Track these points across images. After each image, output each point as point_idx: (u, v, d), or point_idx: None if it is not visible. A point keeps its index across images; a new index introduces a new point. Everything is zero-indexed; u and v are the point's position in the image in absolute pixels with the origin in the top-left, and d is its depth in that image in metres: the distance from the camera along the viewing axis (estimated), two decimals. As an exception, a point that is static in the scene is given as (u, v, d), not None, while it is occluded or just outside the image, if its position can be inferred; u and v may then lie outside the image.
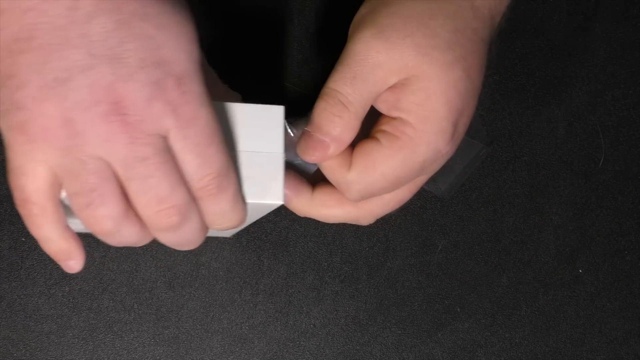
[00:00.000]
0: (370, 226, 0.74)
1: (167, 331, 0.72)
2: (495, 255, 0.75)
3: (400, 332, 0.74)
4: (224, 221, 0.55)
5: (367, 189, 0.60)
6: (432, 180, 0.72)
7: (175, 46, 0.51)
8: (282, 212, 0.73)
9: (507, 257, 0.75)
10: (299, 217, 0.73)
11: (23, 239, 0.71)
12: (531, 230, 0.75)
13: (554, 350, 0.75)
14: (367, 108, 0.59)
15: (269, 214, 0.73)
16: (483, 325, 0.74)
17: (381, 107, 0.59)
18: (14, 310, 0.71)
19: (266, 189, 0.58)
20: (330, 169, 0.60)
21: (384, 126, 0.59)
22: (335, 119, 0.59)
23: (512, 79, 0.75)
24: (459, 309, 0.74)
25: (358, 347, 0.74)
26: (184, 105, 0.51)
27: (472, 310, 0.74)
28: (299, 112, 0.73)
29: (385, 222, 0.74)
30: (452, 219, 0.75)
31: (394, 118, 0.59)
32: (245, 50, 0.73)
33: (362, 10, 0.60)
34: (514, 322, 0.75)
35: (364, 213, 0.63)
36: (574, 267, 0.75)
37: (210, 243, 0.72)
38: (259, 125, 0.58)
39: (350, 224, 0.74)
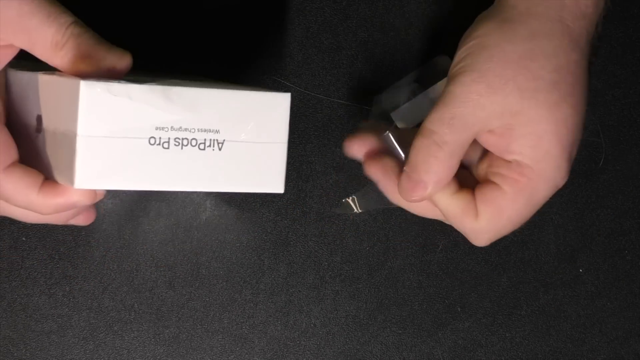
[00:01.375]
0: (370, 226, 0.74)
1: (167, 331, 0.72)
2: (496, 254, 0.75)
3: (400, 331, 0.74)
4: None
5: (497, 234, 0.61)
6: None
7: None
8: (282, 212, 0.73)
9: (507, 256, 0.75)
10: (299, 216, 0.73)
11: (23, 239, 0.71)
12: (531, 230, 0.75)
13: (554, 350, 0.75)
14: (465, 148, 0.59)
15: (269, 213, 0.73)
16: (483, 324, 0.74)
17: (494, 151, 0.60)
18: (14, 309, 0.71)
19: (267, 178, 0.58)
20: (456, 218, 0.61)
21: (501, 169, 0.60)
22: (431, 159, 0.59)
23: (512, 79, 0.75)
24: (459, 309, 0.74)
25: (358, 347, 0.74)
26: None
27: (473, 310, 0.74)
28: (302, 113, 0.73)
29: (385, 222, 0.74)
30: (452, 218, 0.75)
31: (509, 161, 0.60)
32: (245, 50, 0.73)
33: (461, 53, 0.60)
34: (515, 322, 0.75)
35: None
36: (575, 266, 0.75)
37: (210, 243, 0.72)
38: (265, 114, 0.58)
39: (351, 224, 0.74)
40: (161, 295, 0.72)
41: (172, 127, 0.55)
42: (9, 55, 0.56)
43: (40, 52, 0.55)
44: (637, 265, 0.76)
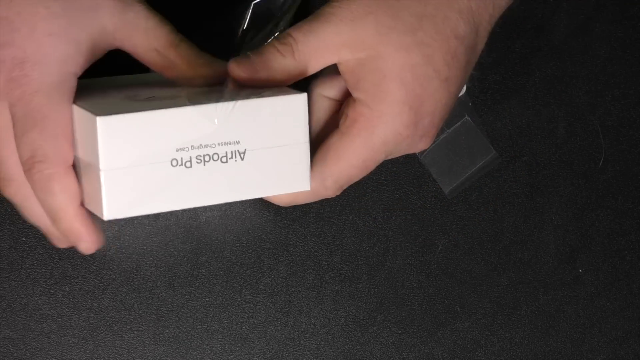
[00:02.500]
0: (370, 226, 0.74)
1: (167, 331, 0.72)
2: (495, 255, 0.75)
3: (400, 331, 0.74)
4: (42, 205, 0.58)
5: (341, 179, 0.60)
6: (437, 178, 0.72)
7: (30, 34, 0.55)
8: (282, 212, 0.73)
9: (507, 256, 0.75)
10: (299, 216, 0.73)
11: (23, 239, 0.71)
12: (531, 230, 0.75)
13: (554, 350, 0.75)
14: (315, 67, 0.59)
15: (269, 213, 0.73)
16: (483, 325, 0.75)
17: (348, 87, 0.60)
18: (14, 309, 0.71)
19: (293, 178, 0.58)
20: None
21: (348, 109, 0.60)
22: (277, 56, 0.59)
23: (512, 79, 0.75)
24: (459, 309, 0.74)
25: (358, 347, 0.74)
26: (17, 87, 0.55)
27: (472, 310, 0.74)
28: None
29: (385, 222, 0.74)
30: (452, 218, 0.75)
31: (354, 100, 0.59)
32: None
33: None
34: (514, 322, 0.75)
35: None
36: (574, 267, 0.75)
37: (210, 243, 0.72)
38: (283, 118, 0.58)
39: (350, 224, 0.74)
40: (161, 295, 0.72)
41: (192, 146, 0.56)
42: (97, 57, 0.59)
43: (145, 51, 0.59)
44: (637, 265, 0.76)
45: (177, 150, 0.56)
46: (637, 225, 0.76)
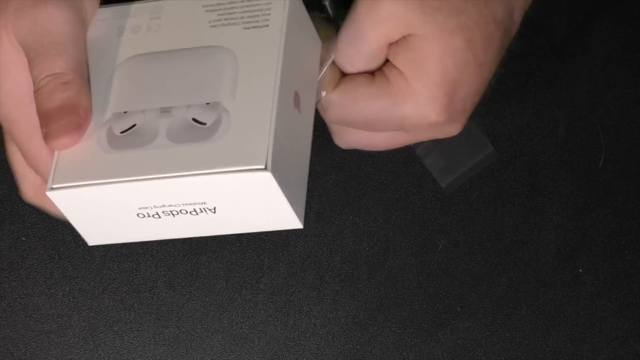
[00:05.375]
0: (370, 226, 0.74)
1: (167, 330, 0.72)
2: (496, 254, 0.75)
3: (400, 331, 0.74)
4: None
5: (343, 115, 0.59)
6: (434, 172, 0.72)
7: None
8: (282, 212, 0.73)
9: (507, 256, 0.75)
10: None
11: (23, 239, 0.71)
12: (531, 230, 0.75)
13: (554, 350, 0.75)
14: (370, 64, 0.59)
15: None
16: (483, 324, 0.75)
17: (389, 53, 0.59)
18: (14, 309, 0.71)
19: (281, 217, 0.55)
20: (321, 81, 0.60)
21: (386, 68, 0.59)
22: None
23: (512, 79, 0.75)
24: (459, 309, 0.74)
25: (358, 347, 0.74)
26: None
27: (473, 310, 0.75)
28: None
29: (385, 222, 0.74)
30: (452, 218, 0.75)
31: (393, 66, 0.58)
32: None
33: None
34: (514, 322, 0.75)
35: (340, 130, 0.62)
36: (574, 266, 0.75)
37: (210, 243, 0.72)
38: (250, 189, 0.53)
39: (351, 224, 0.74)
40: (161, 295, 0.72)
41: (154, 206, 0.54)
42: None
43: None
44: (637, 265, 0.76)
45: (140, 208, 0.54)
46: (638, 225, 0.76)
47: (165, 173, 0.53)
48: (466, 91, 0.59)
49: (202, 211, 0.54)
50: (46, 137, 0.54)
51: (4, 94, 0.56)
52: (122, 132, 0.55)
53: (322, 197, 0.74)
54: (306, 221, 0.73)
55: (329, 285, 0.74)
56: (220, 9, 0.59)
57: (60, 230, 0.71)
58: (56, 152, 0.55)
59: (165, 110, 0.55)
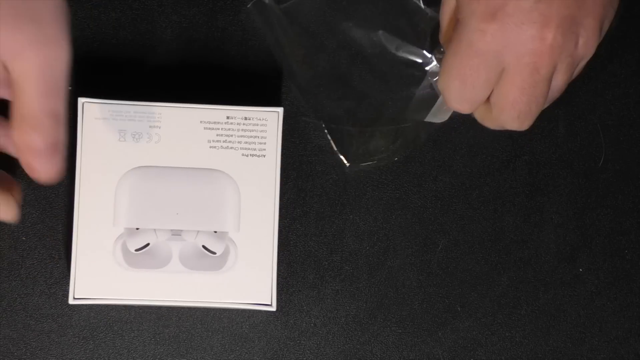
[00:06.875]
0: (370, 225, 0.74)
1: (167, 330, 0.72)
2: (496, 254, 0.75)
3: (400, 331, 0.74)
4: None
5: (500, 122, 0.65)
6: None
7: None
8: (282, 212, 0.73)
9: (507, 256, 0.75)
10: (300, 216, 0.73)
11: (23, 239, 0.71)
12: (531, 229, 0.75)
13: (554, 349, 0.75)
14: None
15: (269, 213, 0.73)
16: (483, 324, 0.74)
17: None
18: (14, 309, 0.71)
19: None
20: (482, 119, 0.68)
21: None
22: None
23: (512, 79, 0.75)
24: (459, 308, 0.74)
25: (358, 346, 0.74)
26: None
27: (473, 309, 0.74)
28: (302, 113, 0.73)
29: (385, 222, 0.74)
30: (452, 217, 0.75)
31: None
32: (245, 49, 0.73)
33: None
34: (515, 321, 0.75)
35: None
36: (575, 266, 0.75)
37: (211, 242, 0.72)
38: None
39: (351, 224, 0.74)
40: (161, 295, 0.72)
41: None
42: None
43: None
44: (637, 265, 0.76)
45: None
46: (638, 225, 0.76)
47: (182, 299, 0.66)
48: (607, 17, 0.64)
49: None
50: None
51: None
52: (136, 250, 0.65)
53: (322, 197, 0.73)
54: (306, 221, 0.73)
55: (330, 285, 0.73)
56: (217, 128, 0.66)
57: (61, 230, 0.71)
58: (73, 262, 0.65)
59: (176, 233, 0.66)
